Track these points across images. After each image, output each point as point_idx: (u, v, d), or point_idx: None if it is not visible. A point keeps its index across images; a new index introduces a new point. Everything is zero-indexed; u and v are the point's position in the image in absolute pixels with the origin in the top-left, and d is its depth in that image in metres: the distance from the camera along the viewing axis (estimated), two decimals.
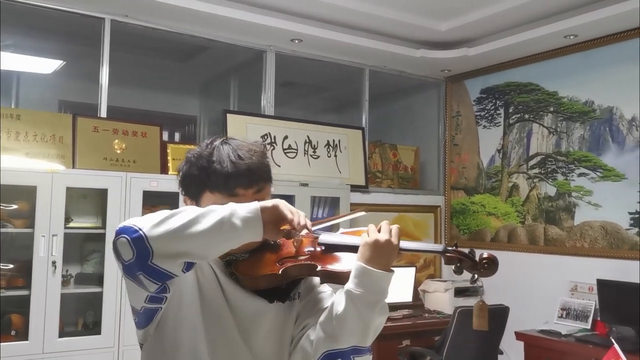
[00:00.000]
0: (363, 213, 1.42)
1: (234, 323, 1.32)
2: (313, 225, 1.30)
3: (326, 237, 1.35)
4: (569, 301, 4.18)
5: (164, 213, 1.18)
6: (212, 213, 1.17)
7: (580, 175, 4.34)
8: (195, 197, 1.35)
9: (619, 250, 4.06)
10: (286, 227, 1.23)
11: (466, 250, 1.28)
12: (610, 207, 4.13)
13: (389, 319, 4.22)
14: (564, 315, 4.14)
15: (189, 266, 1.21)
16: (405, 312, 4.40)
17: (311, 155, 4.63)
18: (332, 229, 1.44)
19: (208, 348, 1.29)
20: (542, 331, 4.03)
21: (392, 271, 1.25)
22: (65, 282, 3.33)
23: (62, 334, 3.28)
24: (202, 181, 1.32)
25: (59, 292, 3.22)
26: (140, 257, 1.16)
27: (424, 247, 1.37)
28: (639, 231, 3.95)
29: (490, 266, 1.27)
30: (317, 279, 1.40)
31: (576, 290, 4.22)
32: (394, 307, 4.40)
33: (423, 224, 5.30)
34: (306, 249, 1.34)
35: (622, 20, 3.87)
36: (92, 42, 4.01)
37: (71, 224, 3.39)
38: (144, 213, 3.50)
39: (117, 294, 3.38)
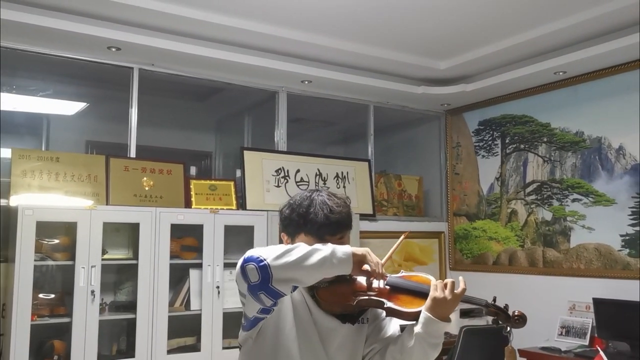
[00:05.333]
0: (403, 237, 1.87)
1: (316, 333, 1.67)
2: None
3: (393, 279, 1.69)
4: (567, 319, 4.45)
5: (281, 248, 1.53)
6: (317, 252, 1.53)
7: (574, 200, 4.65)
8: (291, 235, 1.71)
9: (612, 270, 4.34)
10: (367, 274, 1.59)
11: (502, 306, 1.66)
12: (603, 230, 4.43)
13: None
14: (563, 333, 4.41)
15: (294, 288, 1.57)
16: None
17: (322, 187, 4.94)
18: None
19: (299, 350, 1.64)
20: (543, 348, 4.29)
21: (450, 320, 1.62)
22: (101, 309, 3.62)
23: (99, 358, 3.55)
24: (299, 225, 1.67)
25: (97, 319, 3.52)
26: (264, 280, 1.49)
27: (471, 300, 1.69)
28: (630, 252, 4.24)
29: (520, 321, 1.66)
30: (381, 310, 1.74)
31: (574, 309, 4.49)
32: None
33: (428, 249, 5.59)
34: (375, 286, 1.67)
35: (607, 58, 4.21)
36: (118, 86, 4.36)
37: (106, 256, 3.70)
38: (172, 245, 3.83)
39: (149, 320, 3.67)
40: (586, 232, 4.54)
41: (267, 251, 1.52)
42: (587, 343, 4.22)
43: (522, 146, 5.09)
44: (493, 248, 5.26)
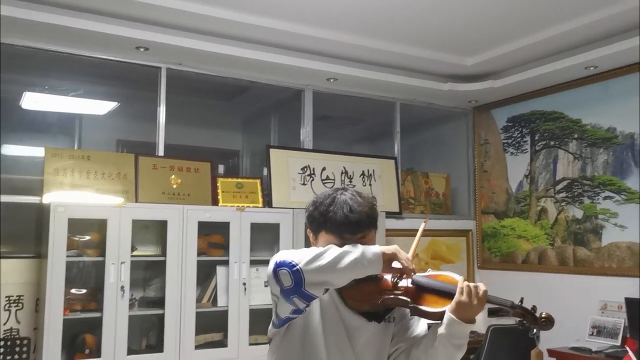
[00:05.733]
0: (423, 223, 1.88)
1: (344, 330, 1.68)
2: None
3: (419, 279, 1.68)
4: (599, 319, 4.36)
5: (312, 251, 1.56)
6: (348, 254, 1.56)
7: (605, 198, 4.55)
8: (315, 233, 1.74)
9: None
10: (398, 273, 1.63)
11: (529, 307, 1.61)
12: (636, 228, 4.33)
13: None
14: (594, 333, 4.32)
15: (326, 290, 1.61)
16: None
17: (348, 185, 4.94)
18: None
19: (326, 347, 1.67)
20: (573, 348, 4.21)
21: (475, 321, 1.60)
22: (130, 305, 3.68)
23: (129, 352, 3.61)
24: (320, 223, 1.70)
25: (127, 314, 3.58)
26: (297, 285, 1.53)
27: (497, 301, 1.65)
28: None
29: (547, 323, 1.59)
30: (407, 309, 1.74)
31: (606, 308, 4.40)
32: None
33: (456, 247, 5.54)
34: (401, 285, 1.67)
35: (638, 53, 4.12)
36: (146, 86, 4.43)
37: (135, 253, 3.76)
38: (199, 242, 3.87)
39: (177, 316, 3.72)
40: (618, 231, 4.44)
41: (299, 255, 1.55)
42: (619, 343, 4.13)
43: (552, 143, 5.01)
44: (522, 246, 5.19)
